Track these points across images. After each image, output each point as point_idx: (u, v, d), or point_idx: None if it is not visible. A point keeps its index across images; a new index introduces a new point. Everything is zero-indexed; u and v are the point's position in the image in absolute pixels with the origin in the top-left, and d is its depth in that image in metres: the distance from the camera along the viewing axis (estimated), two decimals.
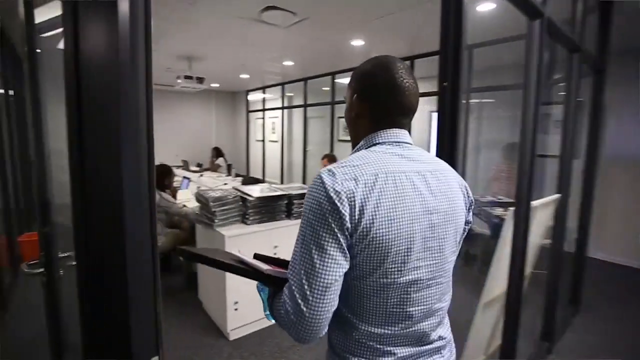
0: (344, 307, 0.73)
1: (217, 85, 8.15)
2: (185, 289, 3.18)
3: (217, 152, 6.87)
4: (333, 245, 0.66)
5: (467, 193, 0.83)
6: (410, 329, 0.74)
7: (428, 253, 0.72)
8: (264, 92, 8.07)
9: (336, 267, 0.66)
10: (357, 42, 4.08)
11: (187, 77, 4.96)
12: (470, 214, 0.85)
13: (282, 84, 7.31)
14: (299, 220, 0.72)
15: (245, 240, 2.42)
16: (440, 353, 0.80)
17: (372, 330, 0.72)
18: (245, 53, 4.80)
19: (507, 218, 1.69)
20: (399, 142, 0.77)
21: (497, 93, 5.03)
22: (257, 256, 0.88)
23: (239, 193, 2.59)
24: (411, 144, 0.79)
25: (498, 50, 3.90)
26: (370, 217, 0.66)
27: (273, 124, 9.86)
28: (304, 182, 7.06)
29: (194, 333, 2.57)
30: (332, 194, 0.65)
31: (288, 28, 3.55)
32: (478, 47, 3.65)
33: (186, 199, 3.84)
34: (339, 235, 0.66)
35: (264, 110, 8.16)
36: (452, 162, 1.17)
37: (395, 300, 0.71)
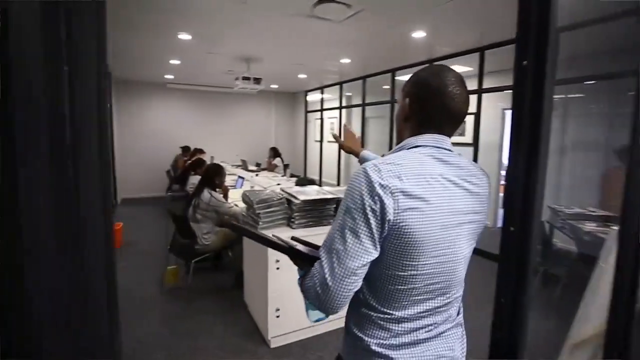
0: (367, 290, 0.82)
1: (276, 86, 8.28)
2: (233, 288, 3.18)
3: (274, 152, 6.95)
4: (367, 234, 0.73)
5: (488, 191, 0.89)
6: (428, 315, 0.81)
7: (453, 248, 0.80)
8: (322, 92, 8.00)
9: (365, 254, 0.73)
10: (418, 34, 3.76)
11: (245, 79, 5.05)
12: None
13: (340, 83, 7.16)
14: None
15: None
16: (453, 337, 0.87)
17: (392, 314, 0.80)
18: (301, 52, 4.74)
19: (608, 237, 1.31)
20: (438, 146, 0.82)
21: (585, 86, 4.30)
22: (293, 238, 0.96)
23: (285, 195, 2.48)
24: (450, 150, 0.84)
25: (588, 33, 3.28)
26: (408, 213, 0.72)
27: (332, 124, 9.78)
28: None
29: (236, 336, 2.52)
30: (377, 188, 0.71)
31: (343, 23, 3.38)
32: (564, 30, 3.11)
33: (239, 199, 3.87)
34: (373, 226, 0.72)
35: (322, 110, 8.09)
36: (531, 165, 0.89)
37: (419, 289, 0.78)
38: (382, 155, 0.86)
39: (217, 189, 3.28)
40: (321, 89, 7.95)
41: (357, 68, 5.82)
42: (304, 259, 0.85)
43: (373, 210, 0.71)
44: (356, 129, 8.04)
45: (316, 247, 0.86)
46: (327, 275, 0.74)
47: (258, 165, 7.95)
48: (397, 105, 0.92)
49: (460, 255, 0.82)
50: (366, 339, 0.82)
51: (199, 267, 3.59)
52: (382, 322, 0.81)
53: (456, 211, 0.79)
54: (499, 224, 5.41)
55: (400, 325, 0.80)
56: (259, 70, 5.52)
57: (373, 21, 3.35)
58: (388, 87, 6.35)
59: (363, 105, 6.51)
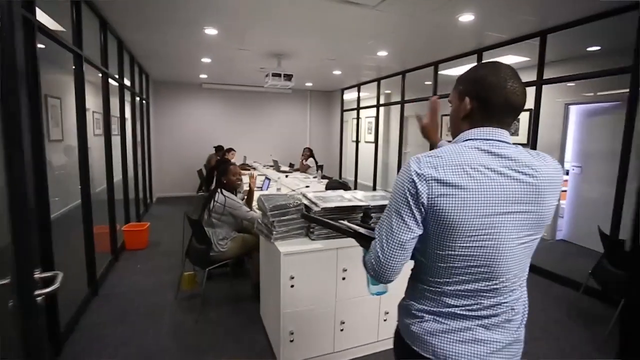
0: (417, 264, 0.97)
1: (310, 84, 8.03)
2: (251, 299, 2.93)
3: (308, 153, 6.69)
4: (409, 215, 0.85)
5: (560, 184, 0.90)
6: (469, 295, 0.88)
7: (495, 235, 0.84)
8: (358, 90, 7.62)
9: (408, 231, 0.86)
10: (466, 18, 3.27)
11: (275, 75, 4.82)
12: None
13: (378, 80, 6.73)
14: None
15: (304, 261, 1.97)
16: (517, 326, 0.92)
17: (436, 288, 0.90)
18: (333, 45, 4.41)
19: None
20: (489, 139, 0.88)
21: None
22: (358, 224, 1.11)
23: (305, 201, 2.17)
24: (506, 142, 0.89)
25: None
26: (441, 200, 0.83)
27: (369, 123, 9.36)
28: None
29: (248, 353, 2.25)
30: (414, 177, 0.85)
31: (377, 7, 3.00)
32: None
33: None
34: (414, 208, 0.85)
35: (358, 109, 7.70)
36: None
37: (458, 268, 0.86)
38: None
39: (232, 190, 3.03)
40: (358, 86, 7.57)
41: (395, 62, 5.38)
42: (367, 240, 1.01)
43: (411, 195, 0.85)
44: (395, 128, 7.57)
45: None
46: (379, 250, 0.89)
47: (291, 165, 7.75)
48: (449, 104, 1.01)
49: (506, 243, 0.85)
50: (415, 304, 0.96)
51: (217, 272, 3.39)
52: (427, 293, 0.93)
53: (500, 200, 0.83)
54: (559, 236, 4.69)
55: (442, 297, 0.90)
56: (291, 66, 5.28)
57: (412, 3, 2.94)
58: (430, 82, 5.83)
59: (402, 102, 6.04)
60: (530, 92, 4.29)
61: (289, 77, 4.90)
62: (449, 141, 1.03)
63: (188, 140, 8.04)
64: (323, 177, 6.52)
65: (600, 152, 4.67)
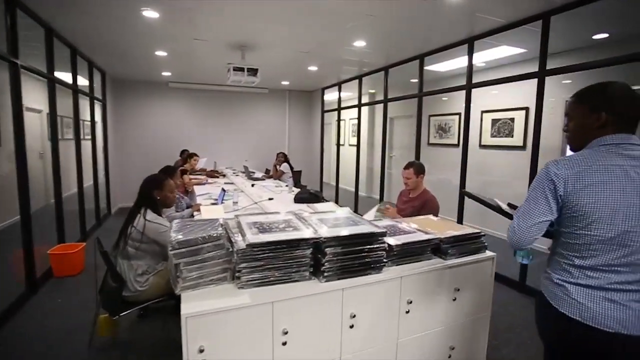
0: (557, 243, 1.23)
1: (287, 82, 7.39)
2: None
3: (282, 158, 6.04)
4: (542, 203, 1.15)
5: None
6: (608, 269, 1.10)
7: (633, 225, 1.05)
8: (339, 89, 7.01)
9: (539, 216, 1.16)
10: None
11: (238, 69, 4.18)
12: None
13: (360, 77, 6.14)
14: (335, 291, 1.44)
15: (224, 323, 1.32)
16: (634, 297, 1.08)
17: (576, 260, 1.14)
18: (304, 34, 3.79)
19: None
20: (621, 143, 1.12)
21: None
22: (508, 204, 1.53)
23: (232, 231, 1.52)
24: (637, 144, 1.12)
25: None
26: (577, 193, 1.09)
27: (354, 125, 8.76)
28: (381, 194, 5.75)
29: None
30: (552, 176, 1.13)
31: None
32: None
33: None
34: (550, 198, 1.14)
35: (339, 109, 7.09)
36: None
37: (594, 245, 1.10)
38: None
39: (166, 206, 2.38)
40: (339, 85, 6.97)
41: (377, 56, 4.79)
42: (510, 217, 1.36)
43: (550, 189, 1.14)
44: (380, 129, 7.00)
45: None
46: (515, 226, 1.21)
47: (267, 172, 7.09)
48: (576, 118, 1.24)
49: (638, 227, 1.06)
50: (553, 275, 1.21)
51: (155, 307, 2.71)
52: (565, 266, 1.18)
53: (631, 193, 1.06)
54: None
55: (577, 269, 1.14)
56: (258, 60, 4.64)
57: None
58: (416, 80, 5.27)
59: (385, 101, 5.45)
60: (530, 85, 3.73)
61: (253, 71, 4.26)
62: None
63: (154, 145, 7.32)
64: (297, 185, 5.88)
65: None
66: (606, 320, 1.08)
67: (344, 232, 1.52)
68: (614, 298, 1.08)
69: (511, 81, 3.47)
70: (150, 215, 2.13)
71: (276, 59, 5.03)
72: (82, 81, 5.06)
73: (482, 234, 1.96)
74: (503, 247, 1.84)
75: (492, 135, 5.34)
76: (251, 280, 1.41)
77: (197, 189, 4.60)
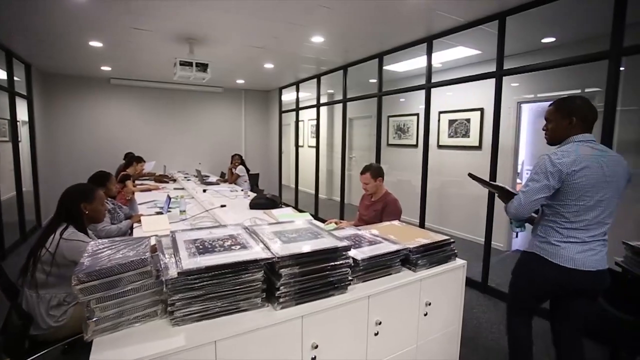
0: (550, 212, 1.67)
1: (242, 81, 7.03)
2: None
3: (238, 160, 5.68)
4: (544, 184, 1.58)
5: (628, 174, 1.65)
6: (585, 227, 1.60)
7: (601, 196, 1.57)
8: (297, 89, 6.79)
9: (538, 193, 1.59)
10: None
11: (185, 64, 3.80)
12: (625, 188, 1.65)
13: (318, 76, 5.96)
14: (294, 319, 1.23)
15: None
16: (602, 245, 1.64)
17: (564, 224, 1.62)
18: (258, 26, 3.52)
19: None
20: (588, 140, 1.62)
21: None
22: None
23: (159, 254, 1.23)
24: (595, 141, 1.64)
25: None
26: (571, 177, 1.54)
27: (313, 127, 8.58)
28: (342, 197, 5.60)
29: None
30: (556, 164, 1.56)
31: None
32: None
33: (154, 232, 2.59)
34: (551, 180, 1.57)
35: (297, 109, 6.87)
36: None
37: (579, 212, 1.58)
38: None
39: (94, 222, 2.01)
40: (296, 84, 6.74)
41: (335, 53, 4.62)
42: (509, 196, 1.73)
43: (551, 173, 1.57)
44: (339, 130, 6.88)
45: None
46: (522, 200, 1.63)
47: (223, 175, 6.69)
48: (554, 121, 1.73)
49: (605, 201, 1.58)
50: (550, 238, 1.66)
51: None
52: (559, 229, 1.64)
53: (604, 177, 1.56)
54: (515, 245, 4.18)
55: (567, 231, 1.62)
56: (208, 56, 4.29)
57: None
58: (375, 80, 5.18)
59: (344, 100, 5.31)
60: (485, 87, 3.76)
61: (203, 66, 3.90)
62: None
63: (95, 148, 6.62)
64: (254, 189, 5.57)
65: None
66: (586, 263, 1.60)
67: (303, 247, 1.29)
68: (590, 247, 1.61)
69: (470, 80, 3.45)
70: (70, 233, 1.75)
71: (228, 54, 4.69)
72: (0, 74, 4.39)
73: (452, 240, 1.82)
74: (463, 247, 1.86)
75: (450, 136, 5.39)
76: (188, 315, 1.14)
77: (142, 196, 4.15)
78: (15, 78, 4.67)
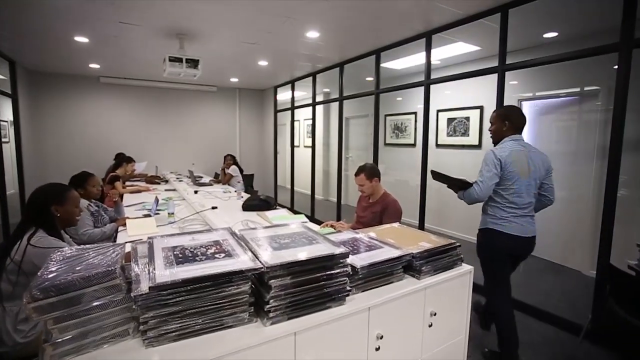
0: (495, 195, 2.20)
1: (236, 79, 6.88)
2: None
3: (231, 160, 5.53)
4: (493, 173, 2.10)
5: (548, 164, 2.23)
6: (520, 206, 2.16)
7: (528, 181, 2.14)
8: (292, 88, 6.65)
9: (491, 180, 2.10)
10: None
11: (175, 60, 3.65)
12: (550, 174, 2.25)
13: (314, 74, 5.82)
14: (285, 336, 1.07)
15: None
16: (531, 218, 2.23)
17: (506, 204, 2.17)
18: (250, 19, 3.37)
19: None
20: (518, 139, 2.20)
21: None
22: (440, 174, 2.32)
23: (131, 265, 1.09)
24: (523, 140, 2.22)
25: None
26: (508, 166, 2.10)
27: (309, 126, 8.44)
28: (339, 197, 5.46)
29: None
30: (498, 157, 2.12)
31: None
32: None
33: (139, 235, 2.44)
34: (498, 170, 2.11)
35: (292, 108, 6.73)
36: None
37: (516, 193, 2.14)
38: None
39: (68, 225, 1.85)
40: (292, 82, 6.60)
41: (331, 50, 4.49)
42: (465, 186, 2.18)
43: (496, 165, 2.10)
44: (335, 130, 6.75)
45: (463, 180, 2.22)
46: (480, 186, 2.10)
47: (217, 176, 6.53)
48: (493, 124, 2.32)
49: (531, 185, 2.16)
50: (498, 215, 2.18)
51: None
52: (502, 208, 2.16)
53: (528, 167, 2.13)
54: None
55: (508, 209, 2.15)
56: (199, 52, 4.14)
57: None
58: (372, 78, 5.06)
59: (340, 99, 5.18)
60: (484, 84, 3.63)
61: (193, 63, 3.75)
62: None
63: (84, 149, 6.44)
64: (248, 190, 5.42)
65: (558, 152, 4.19)
66: (525, 232, 2.17)
67: (295, 255, 1.15)
68: (525, 220, 2.19)
69: (471, 76, 3.34)
70: (39, 238, 1.60)
71: (221, 51, 4.55)
72: None
73: (458, 244, 1.69)
74: (463, 249, 1.65)
75: (448, 135, 5.28)
76: (164, 334, 0.99)
77: (131, 198, 3.98)
78: None
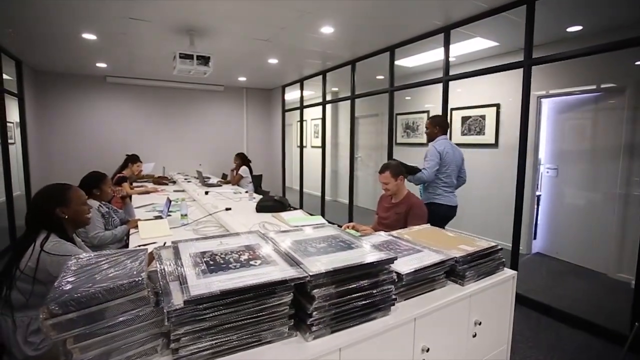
0: (436, 177, 3.12)
1: (244, 79, 6.78)
2: None
3: (241, 160, 5.41)
4: (436, 161, 3.03)
5: (462, 155, 3.25)
6: (450, 185, 3.16)
7: (454, 168, 3.13)
8: (301, 87, 6.53)
9: (434, 167, 3.03)
10: None
11: (185, 56, 3.54)
12: (463, 162, 3.27)
13: (324, 72, 5.70)
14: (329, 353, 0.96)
15: None
16: (455, 194, 3.22)
17: (442, 184, 3.12)
18: (264, 14, 3.26)
19: None
20: (445, 138, 3.19)
21: None
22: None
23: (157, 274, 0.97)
24: (448, 138, 3.22)
25: None
26: (443, 156, 3.06)
27: (316, 126, 8.32)
28: (350, 198, 5.34)
29: None
30: (439, 150, 3.06)
31: None
32: None
33: (153, 238, 2.33)
34: (439, 159, 3.04)
35: (301, 108, 6.61)
36: None
37: (448, 175, 3.11)
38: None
39: (78, 226, 1.74)
40: (301, 81, 6.49)
41: (343, 46, 4.38)
42: (416, 172, 3.03)
43: (437, 155, 3.03)
44: (344, 129, 6.64)
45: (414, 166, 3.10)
46: (428, 172, 3.00)
47: (224, 177, 6.42)
48: (426, 128, 3.31)
49: (454, 170, 3.14)
50: (439, 192, 3.10)
51: None
52: (441, 187, 3.10)
53: (454, 157, 3.12)
54: (535, 248, 3.88)
55: (444, 187, 3.10)
56: (210, 49, 4.03)
57: None
58: (382, 77, 4.95)
59: (352, 97, 5.06)
60: (501, 81, 3.51)
61: (204, 60, 3.64)
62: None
63: (91, 150, 6.35)
64: (257, 191, 5.30)
65: (579, 151, 4.05)
66: (453, 202, 3.12)
67: (339, 262, 1.03)
68: (453, 194, 3.14)
69: (494, 71, 3.21)
70: (53, 243, 1.48)
71: (231, 48, 4.44)
72: None
73: (500, 247, 1.56)
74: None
75: (463, 133, 5.14)
76: (197, 352, 0.87)
77: (140, 200, 3.88)
78: (5, 77, 4.41)
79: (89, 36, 3.92)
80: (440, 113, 3.84)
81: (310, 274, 0.94)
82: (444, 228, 3.08)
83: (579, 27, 3.50)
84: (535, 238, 4.59)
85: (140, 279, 0.85)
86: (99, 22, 3.48)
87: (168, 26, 3.58)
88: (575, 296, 3.25)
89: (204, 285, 0.85)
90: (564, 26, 3.52)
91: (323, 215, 5.99)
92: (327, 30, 3.68)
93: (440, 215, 3.03)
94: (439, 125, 3.17)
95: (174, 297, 0.84)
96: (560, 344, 2.47)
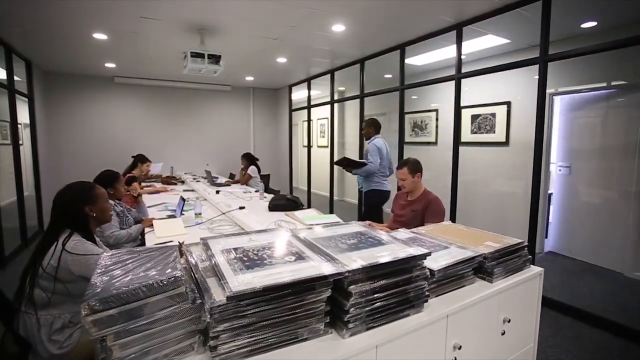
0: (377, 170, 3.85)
1: (252, 78, 6.77)
2: None
3: (249, 160, 5.40)
4: (378, 155, 3.74)
5: (389, 151, 3.96)
6: (385, 175, 3.88)
7: (387, 161, 3.88)
8: (309, 86, 6.51)
9: (377, 161, 3.74)
10: None
11: (196, 55, 3.53)
12: (390, 156, 3.99)
13: (332, 71, 5.68)
14: (366, 351, 0.95)
15: None
16: (388, 182, 3.96)
17: (380, 174, 3.83)
18: (275, 12, 3.25)
19: None
20: (380, 137, 3.89)
21: None
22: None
23: (190, 270, 0.95)
24: (381, 137, 3.92)
25: None
26: (382, 152, 3.79)
27: (322, 126, 8.30)
28: (359, 198, 5.31)
29: None
30: (379, 146, 3.79)
31: None
32: None
33: (168, 237, 2.32)
34: (379, 154, 3.76)
35: (309, 107, 6.59)
36: None
37: (384, 167, 3.83)
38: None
39: (102, 223, 1.74)
40: (308, 81, 6.47)
41: (352, 44, 4.35)
42: (362, 166, 3.76)
43: (377, 151, 3.74)
44: (350, 129, 6.61)
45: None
46: (374, 166, 3.71)
47: (232, 177, 6.42)
48: (364, 128, 4.05)
49: (388, 163, 3.89)
50: (375, 181, 3.80)
51: None
52: (379, 176, 3.80)
53: (387, 152, 3.87)
54: (547, 247, 3.81)
55: (382, 177, 3.82)
56: (221, 48, 4.02)
57: None
58: (390, 75, 4.92)
59: (362, 96, 5.03)
60: (511, 79, 3.48)
61: (215, 58, 3.64)
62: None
63: (99, 150, 6.36)
64: (267, 190, 5.29)
65: (592, 148, 4.01)
66: (388, 188, 3.82)
67: (375, 258, 1.01)
68: (387, 182, 3.83)
69: (508, 68, 3.18)
70: (75, 242, 1.47)
71: (241, 47, 4.43)
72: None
73: (526, 244, 1.54)
74: None
75: (472, 132, 5.10)
76: (235, 349, 0.85)
77: (151, 199, 3.88)
78: (15, 78, 4.43)
79: (100, 36, 3.92)
80: (451, 111, 3.82)
81: (349, 269, 0.92)
82: (381, 209, 3.96)
83: (593, 23, 3.46)
84: (547, 237, 4.55)
85: (178, 275, 0.84)
86: (110, 21, 3.48)
87: (179, 25, 3.58)
88: (594, 295, 3.21)
89: (244, 281, 0.83)
90: (578, 22, 3.48)
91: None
92: (338, 28, 3.66)
93: (380, 198, 3.82)
94: (374, 126, 3.86)
95: (213, 293, 0.83)
96: (580, 343, 2.43)
